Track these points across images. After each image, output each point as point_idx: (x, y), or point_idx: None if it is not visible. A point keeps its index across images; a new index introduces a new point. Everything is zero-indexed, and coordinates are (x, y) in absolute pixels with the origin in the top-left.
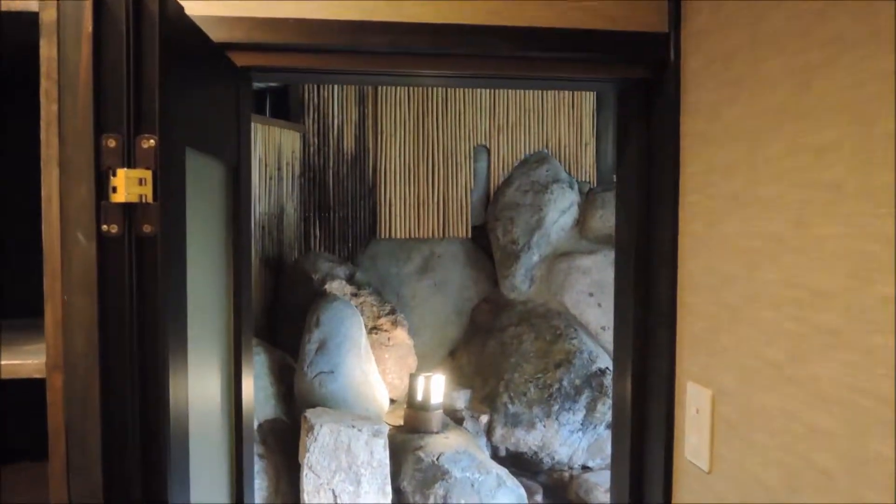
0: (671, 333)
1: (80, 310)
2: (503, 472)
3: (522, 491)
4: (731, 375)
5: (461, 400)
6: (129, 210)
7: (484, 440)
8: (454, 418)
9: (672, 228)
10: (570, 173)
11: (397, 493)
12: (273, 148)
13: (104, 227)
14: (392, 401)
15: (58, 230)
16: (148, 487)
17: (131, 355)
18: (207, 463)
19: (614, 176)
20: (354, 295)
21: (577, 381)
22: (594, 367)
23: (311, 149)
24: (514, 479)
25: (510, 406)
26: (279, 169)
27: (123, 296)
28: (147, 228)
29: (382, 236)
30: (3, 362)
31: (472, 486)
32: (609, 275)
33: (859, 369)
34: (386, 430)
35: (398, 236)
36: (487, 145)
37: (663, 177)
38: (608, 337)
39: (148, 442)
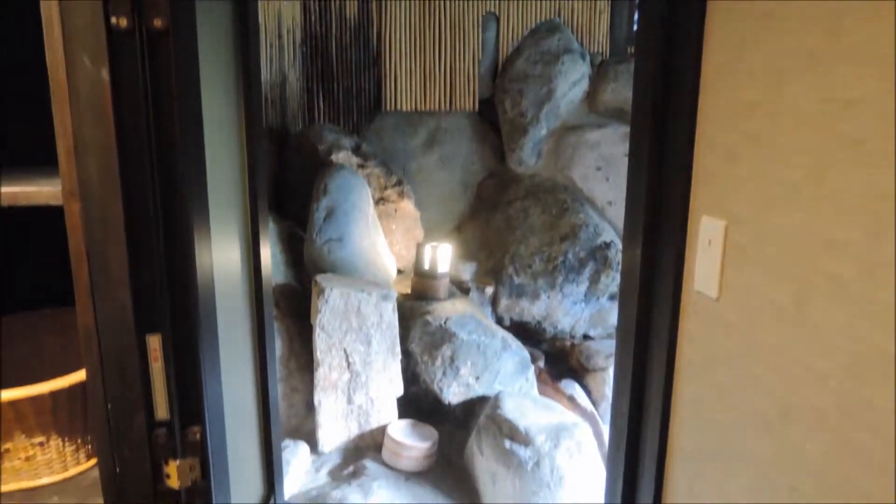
0: (687, 171)
1: (91, 136)
2: (508, 335)
3: (527, 353)
4: (747, 203)
5: (467, 272)
6: (138, 2)
7: (489, 310)
8: (460, 289)
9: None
10: (581, 44)
11: (406, 354)
12: (273, 14)
13: (113, 19)
14: (399, 271)
15: (62, 56)
16: (175, 302)
17: (149, 158)
18: (231, 311)
19: (630, 48)
20: (361, 166)
21: (582, 255)
22: (599, 241)
23: (313, 16)
24: (519, 342)
25: (515, 278)
26: (280, 37)
27: (138, 108)
28: (158, 23)
29: (388, 109)
30: (19, 189)
31: (478, 348)
32: (618, 149)
33: (882, 174)
34: (394, 294)
35: (404, 109)
36: (497, 13)
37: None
38: (614, 212)
39: (172, 254)
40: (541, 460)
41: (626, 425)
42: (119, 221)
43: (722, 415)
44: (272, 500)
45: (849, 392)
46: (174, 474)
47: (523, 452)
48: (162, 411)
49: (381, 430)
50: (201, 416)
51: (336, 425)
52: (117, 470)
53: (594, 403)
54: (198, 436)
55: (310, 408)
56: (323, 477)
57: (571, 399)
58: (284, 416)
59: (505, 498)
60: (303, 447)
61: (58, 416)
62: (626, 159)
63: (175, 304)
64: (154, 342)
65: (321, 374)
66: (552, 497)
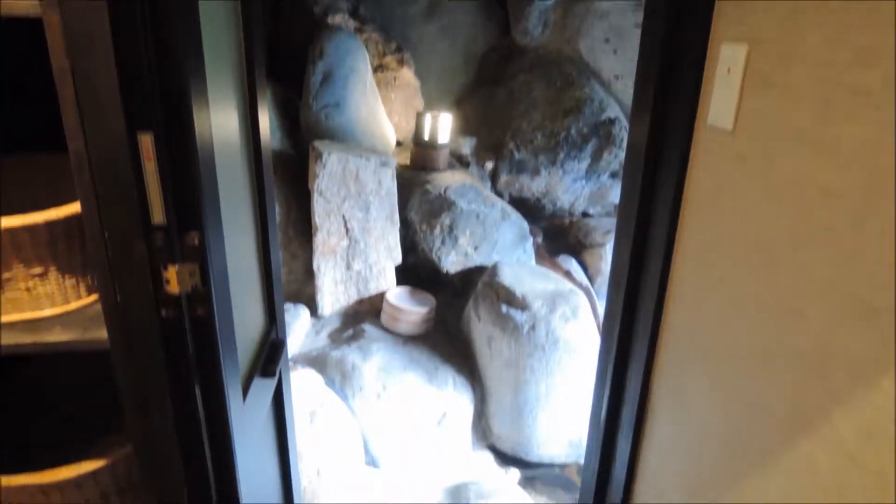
0: None
1: None
2: (508, 206)
3: (525, 224)
4: (772, 23)
5: (466, 147)
6: None
7: (488, 186)
8: (460, 163)
9: None
10: None
11: (405, 224)
12: None
13: None
14: (399, 143)
15: None
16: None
17: None
18: (230, 170)
19: None
20: (359, 30)
21: (585, 130)
22: (603, 117)
23: None
24: (518, 213)
25: (516, 153)
26: None
27: None
28: None
29: None
30: None
31: (478, 217)
32: (628, 20)
33: None
34: (394, 162)
35: None
36: None
37: None
38: (620, 86)
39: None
40: (536, 324)
41: (626, 272)
42: (104, 31)
43: (728, 250)
44: (273, 332)
45: (866, 207)
46: (173, 279)
47: (520, 316)
48: (158, 215)
49: (380, 296)
50: (199, 221)
51: (335, 290)
52: (118, 298)
53: (590, 279)
54: (196, 241)
55: (309, 273)
56: (323, 339)
57: (568, 274)
58: (284, 282)
59: (500, 359)
60: (303, 311)
61: (55, 249)
62: (635, 31)
63: (166, 102)
64: (146, 141)
65: (320, 239)
66: (546, 359)
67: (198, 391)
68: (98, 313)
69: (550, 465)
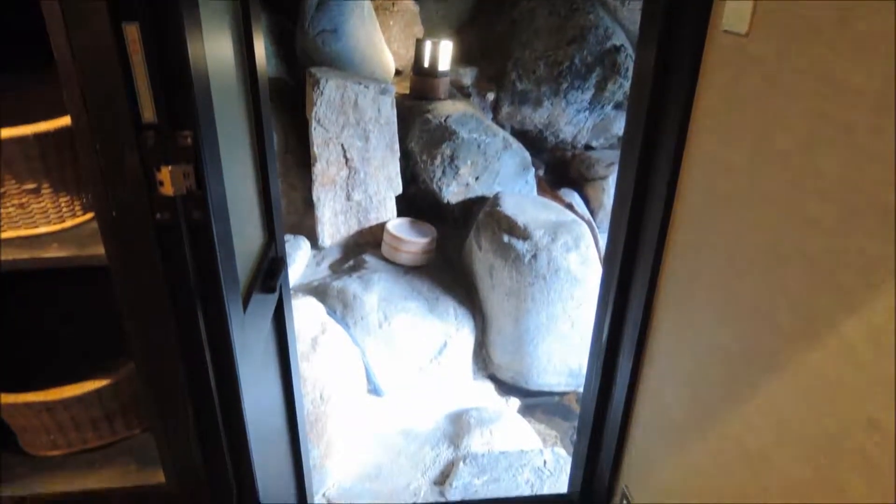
0: None
1: None
2: (509, 136)
3: (527, 155)
4: None
5: (467, 77)
6: None
7: (490, 117)
8: (461, 93)
9: None
10: None
11: (405, 154)
12: None
13: None
14: (398, 72)
15: None
16: None
17: None
18: (225, 95)
19: None
20: None
21: (589, 59)
22: (608, 44)
23: None
24: (520, 143)
25: (518, 84)
26: None
27: None
28: None
29: None
30: None
31: (479, 147)
32: None
33: None
34: (393, 89)
35: None
36: None
37: None
38: (627, 13)
39: None
40: (538, 253)
41: (631, 189)
42: None
43: (741, 158)
44: (273, 250)
45: (886, 105)
46: (167, 181)
47: (521, 246)
48: (148, 112)
49: (381, 227)
50: (192, 119)
51: (335, 221)
52: (114, 212)
53: (592, 213)
54: (189, 140)
55: (309, 205)
56: (324, 270)
57: (570, 207)
58: (284, 214)
59: (502, 288)
60: (303, 242)
61: (47, 163)
62: None
63: None
64: (132, 32)
65: (319, 169)
66: (547, 288)
67: (197, 303)
68: (94, 231)
69: (550, 394)
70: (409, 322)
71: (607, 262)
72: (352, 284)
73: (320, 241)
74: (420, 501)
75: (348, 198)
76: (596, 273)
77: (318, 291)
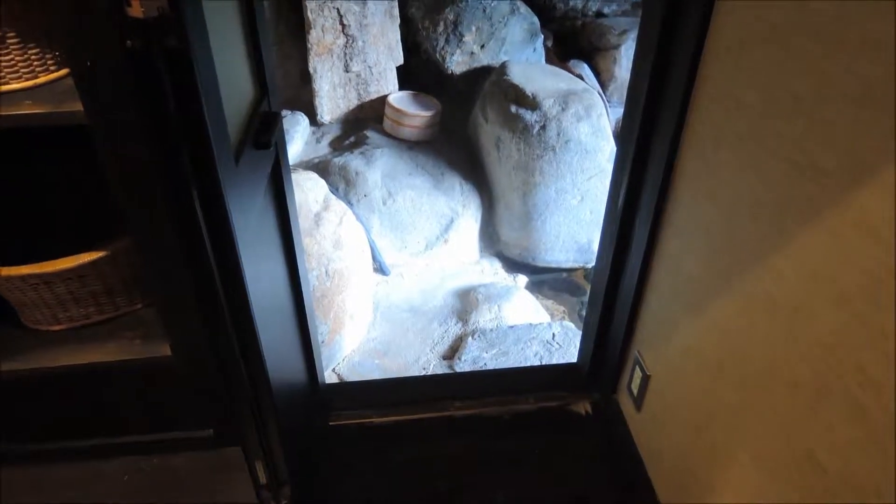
0: None
1: None
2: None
3: (536, 19)
4: None
5: None
6: None
7: None
8: None
9: None
10: None
11: (406, 21)
12: None
13: None
14: None
15: None
16: None
17: None
18: None
19: None
20: None
21: None
22: None
23: None
24: (528, 7)
25: None
26: None
27: None
28: None
29: None
30: None
31: (484, 11)
32: None
33: None
34: None
35: None
36: None
37: None
38: None
39: None
40: (547, 124)
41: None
42: None
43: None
44: (266, 104)
45: None
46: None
47: (529, 116)
48: None
49: (382, 101)
50: None
51: (334, 95)
52: (88, 62)
53: (602, 86)
54: None
55: (305, 78)
56: (324, 147)
57: (580, 78)
58: (279, 87)
59: (509, 162)
60: (301, 118)
61: (11, 10)
62: None
63: None
64: None
65: (314, 37)
66: (556, 161)
67: (184, 151)
68: (70, 88)
69: (558, 270)
70: (414, 199)
71: (626, 118)
72: (354, 161)
73: (319, 117)
74: (429, 373)
75: (347, 69)
76: (608, 144)
77: (319, 168)
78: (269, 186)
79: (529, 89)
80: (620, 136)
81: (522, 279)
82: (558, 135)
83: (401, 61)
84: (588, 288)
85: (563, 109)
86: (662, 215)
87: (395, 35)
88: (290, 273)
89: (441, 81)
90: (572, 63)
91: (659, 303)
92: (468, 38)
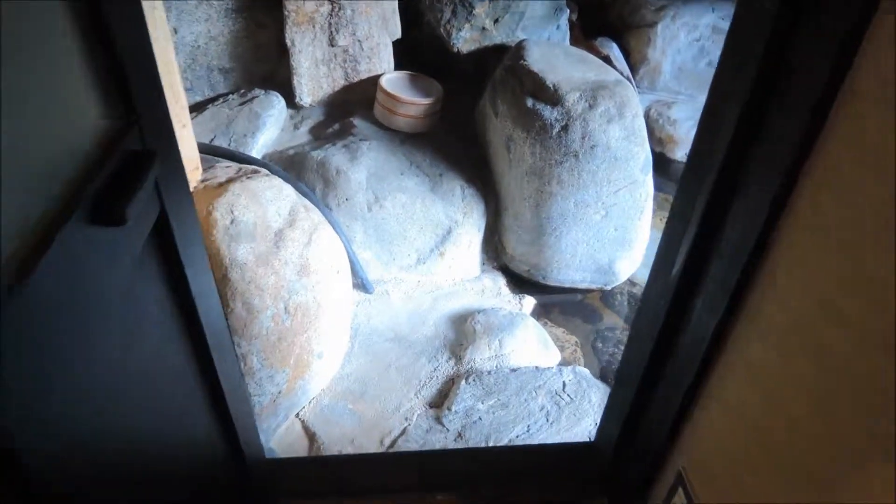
0: None
1: None
2: None
3: None
4: None
5: None
6: None
7: None
8: None
9: None
10: None
11: None
12: None
13: None
14: None
15: None
16: None
17: None
18: None
19: None
20: None
21: None
22: None
23: None
24: None
25: None
26: None
27: None
28: None
29: None
30: None
31: None
32: None
33: None
34: None
35: None
36: None
37: None
38: None
39: None
40: (570, 124)
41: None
42: None
43: None
44: (136, 138)
45: None
46: None
47: (549, 113)
48: None
49: (373, 82)
50: None
51: (316, 73)
52: None
53: (632, 68)
54: None
55: (283, 50)
56: (303, 135)
57: (607, 60)
58: (251, 60)
59: (521, 166)
60: (277, 100)
61: None
62: None
63: None
64: None
65: (292, 3)
66: (579, 169)
67: None
68: None
69: (571, 291)
70: (406, 204)
71: (701, 143)
72: (335, 156)
73: (298, 98)
74: (411, 427)
75: (331, 42)
76: (643, 150)
77: (294, 163)
78: (155, 262)
79: (551, 79)
80: (683, 178)
81: (529, 302)
82: (583, 138)
83: (398, 35)
84: (603, 314)
85: (590, 107)
86: (742, 307)
87: (391, 3)
88: (196, 356)
89: (445, 61)
90: (599, 41)
91: (724, 420)
92: (479, 9)
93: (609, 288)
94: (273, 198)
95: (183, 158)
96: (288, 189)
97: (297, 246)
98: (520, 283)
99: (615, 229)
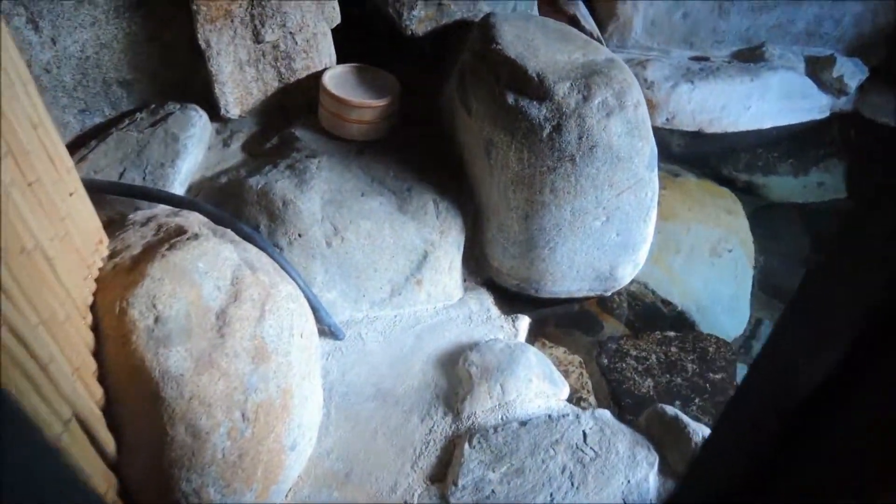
0: None
1: None
2: None
3: None
4: None
5: None
6: None
7: None
8: None
9: None
10: None
11: None
12: None
13: None
14: None
15: None
16: None
17: None
18: None
19: None
20: None
21: None
22: None
23: None
24: None
25: None
26: None
27: None
28: None
29: None
30: None
31: None
32: None
33: None
34: None
35: None
36: None
37: None
38: None
39: None
40: (563, 122)
41: None
42: None
43: None
44: None
45: None
46: None
47: (536, 111)
48: None
49: (315, 81)
50: None
51: (243, 77)
52: None
53: (599, 25)
54: None
55: (198, 53)
56: (235, 154)
57: (573, 21)
58: (157, 67)
59: (505, 173)
60: (197, 114)
61: None
62: None
63: None
64: None
65: None
66: (576, 174)
67: None
68: None
69: (567, 301)
70: (372, 232)
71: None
72: (279, 182)
73: (223, 110)
74: None
75: (257, 38)
76: (647, 144)
77: (228, 194)
78: None
79: (532, 67)
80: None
81: (524, 322)
82: (580, 138)
83: (337, 20)
84: (604, 320)
85: (584, 99)
86: None
87: None
88: None
89: (398, 46)
90: (563, 0)
91: None
92: None
93: (608, 294)
94: (208, 267)
95: (78, 235)
96: (226, 249)
97: (248, 325)
98: (509, 298)
99: (617, 234)
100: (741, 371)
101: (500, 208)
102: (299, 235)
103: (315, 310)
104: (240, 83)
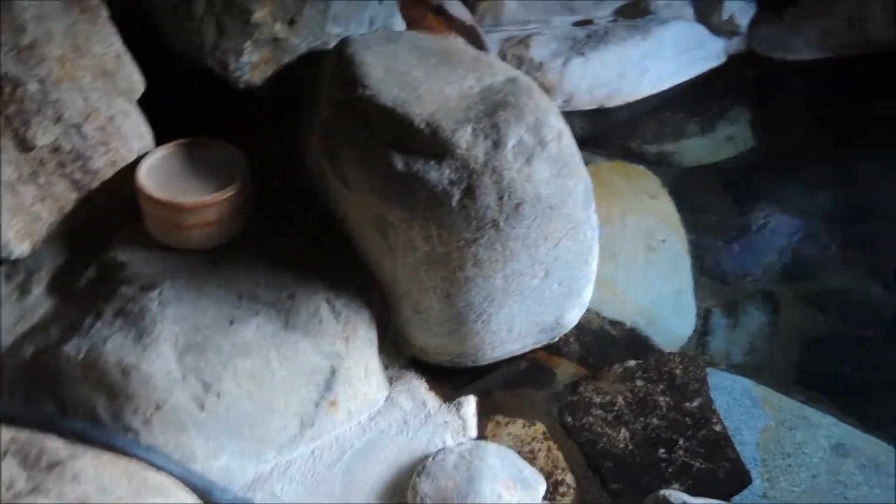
0: None
1: None
2: None
3: None
4: None
5: None
6: None
7: None
8: None
9: None
10: None
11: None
12: None
13: None
14: None
15: None
16: None
17: None
18: None
19: None
20: None
21: None
22: None
23: None
24: None
25: None
26: None
27: None
28: None
29: None
30: None
31: None
32: None
33: None
34: None
35: None
36: None
37: None
38: None
39: None
40: (476, 182)
41: None
42: None
43: None
44: None
45: None
46: None
47: (437, 174)
48: None
49: (129, 175)
50: None
51: (19, 202)
52: None
53: (471, 8)
54: None
55: None
56: (40, 304)
57: (439, 11)
58: None
59: (411, 254)
60: None
61: None
62: None
63: None
64: None
65: None
66: (502, 238)
67: None
68: None
69: (511, 360)
70: (255, 370)
71: None
72: (109, 342)
73: (4, 251)
74: None
75: (24, 145)
76: (580, 179)
77: (42, 373)
78: None
79: (418, 113)
80: None
81: (470, 407)
82: (501, 199)
83: (140, 89)
84: (554, 367)
85: (495, 146)
86: None
87: (104, 47)
88: None
89: (233, 101)
90: None
91: None
92: (260, 13)
93: (557, 341)
94: None
95: None
96: None
97: None
98: (441, 374)
99: (559, 284)
100: (714, 381)
101: (413, 289)
102: (157, 409)
103: (206, 493)
104: (18, 210)
